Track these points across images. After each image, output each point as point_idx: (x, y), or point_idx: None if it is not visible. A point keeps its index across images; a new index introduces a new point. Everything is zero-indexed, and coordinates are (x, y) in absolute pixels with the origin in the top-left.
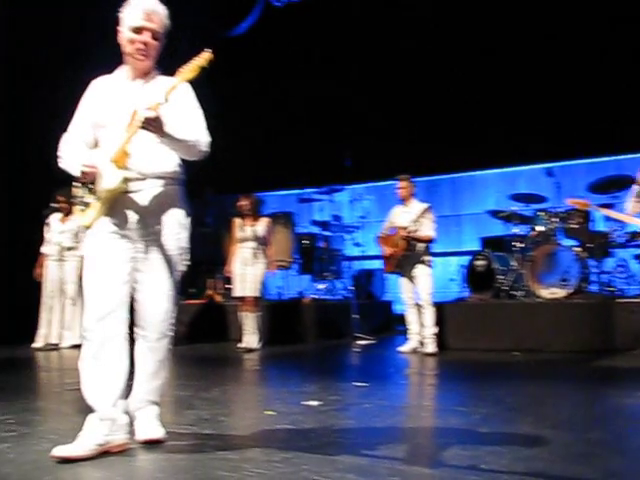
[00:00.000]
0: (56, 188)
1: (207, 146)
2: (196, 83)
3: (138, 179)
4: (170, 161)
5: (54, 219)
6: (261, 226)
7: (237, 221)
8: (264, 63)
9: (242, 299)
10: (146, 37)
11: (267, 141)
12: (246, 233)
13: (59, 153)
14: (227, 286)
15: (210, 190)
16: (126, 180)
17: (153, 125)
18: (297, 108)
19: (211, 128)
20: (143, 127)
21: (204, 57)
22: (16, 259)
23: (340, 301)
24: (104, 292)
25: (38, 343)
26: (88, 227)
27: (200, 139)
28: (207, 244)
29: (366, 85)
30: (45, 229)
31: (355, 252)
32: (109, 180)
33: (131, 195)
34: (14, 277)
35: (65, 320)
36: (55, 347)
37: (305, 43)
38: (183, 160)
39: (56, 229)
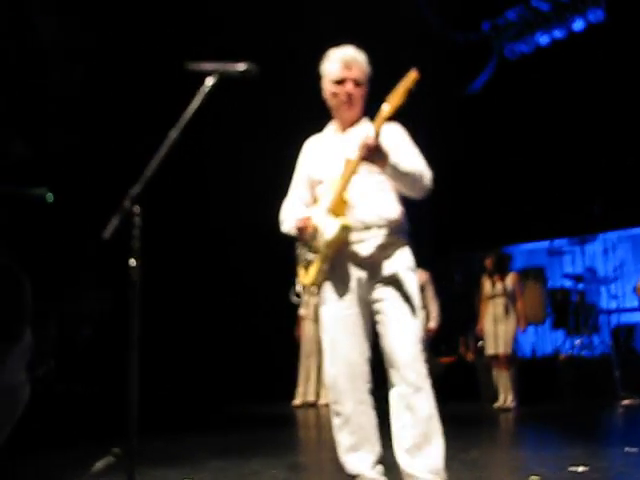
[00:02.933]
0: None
1: (431, 181)
2: (436, 139)
3: (360, 229)
4: (393, 209)
5: None
6: (509, 282)
7: (485, 278)
8: (503, 115)
9: (495, 357)
10: (349, 87)
11: (512, 193)
12: (495, 290)
13: (280, 218)
14: (478, 344)
15: (455, 249)
16: (346, 228)
17: (375, 154)
18: (540, 158)
19: (454, 183)
20: (364, 158)
21: (410, 78)
22: (277, 321)
23: (598, 357)
24: (342, 367)
25: (297, 401)
26: (309, 285)
27: (424, 172)
28: (457, 302)
29: (610, 128)
30: None
31: (612, 305)
32: (328, 230)
33: (353, 247)
34: (276, 338)
35: (322, 378)
36: (312, 404)
37: (544, 92)
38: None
39: None
